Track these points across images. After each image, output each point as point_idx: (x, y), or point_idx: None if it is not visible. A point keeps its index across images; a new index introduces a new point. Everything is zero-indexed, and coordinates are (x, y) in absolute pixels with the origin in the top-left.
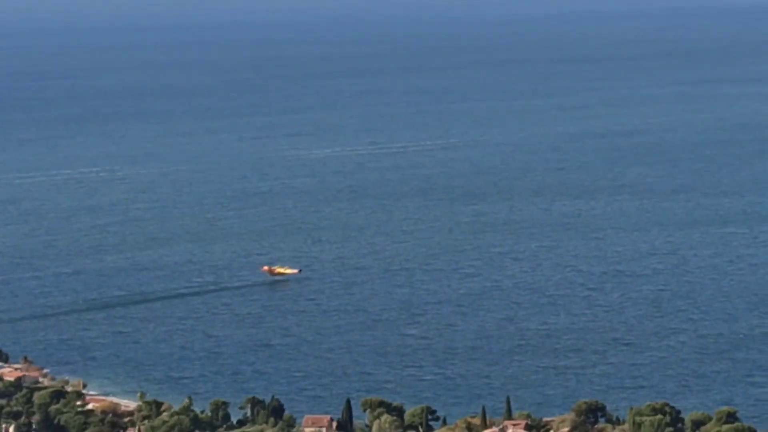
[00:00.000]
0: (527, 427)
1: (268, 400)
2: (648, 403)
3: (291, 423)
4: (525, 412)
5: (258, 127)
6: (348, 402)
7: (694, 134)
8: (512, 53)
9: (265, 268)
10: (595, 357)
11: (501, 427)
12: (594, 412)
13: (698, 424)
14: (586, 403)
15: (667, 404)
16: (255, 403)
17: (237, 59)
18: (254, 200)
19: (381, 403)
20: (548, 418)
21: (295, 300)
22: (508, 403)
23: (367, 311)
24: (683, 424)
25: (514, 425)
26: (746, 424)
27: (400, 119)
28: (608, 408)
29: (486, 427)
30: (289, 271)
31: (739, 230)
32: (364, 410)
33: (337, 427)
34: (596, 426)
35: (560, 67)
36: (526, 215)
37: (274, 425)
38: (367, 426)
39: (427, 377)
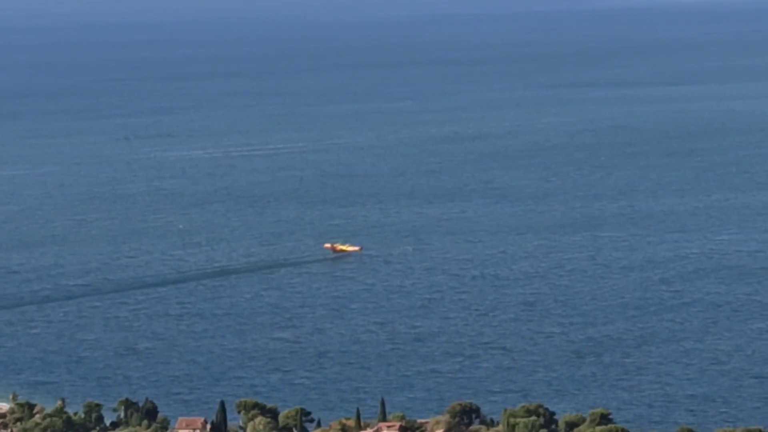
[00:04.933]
0: (402, 428)
1: (141, 402)
2: (522, 404)
3: (165, 425)
4: (399, 414)
5: (129, 129)
6: (222, 404)
7: (565, 137)
8: (384, 55)
9: (328, 245)
10: (467, 360)
11: (376, 428)
12: (468, 413)
13: (572, 425)
14: (460, 404)
15: (540, 406)
16: (128, 405)
17: (107, 60)
18: (124, 202)
19: (255, 405)
20: (423, 420)
21: (164, 303)
22: (383, 404)
23: (237, 315)
24: (557, 425)
25: (389, 427)
26: (620, 425)
27: (271, 121)
28: (482, 410)
29: (361, 428)
30: (350, 248)
31: (610, 234)
32: (239, 412)
33: (212, 429)
34: (471, 427)
35: (431, 69)
36: (398, 218)
37: (148, 427)
38: (241, 428)
39: (300, 380)
